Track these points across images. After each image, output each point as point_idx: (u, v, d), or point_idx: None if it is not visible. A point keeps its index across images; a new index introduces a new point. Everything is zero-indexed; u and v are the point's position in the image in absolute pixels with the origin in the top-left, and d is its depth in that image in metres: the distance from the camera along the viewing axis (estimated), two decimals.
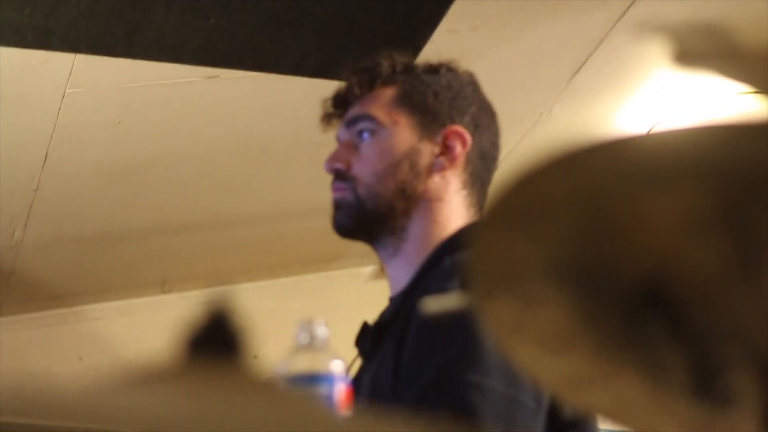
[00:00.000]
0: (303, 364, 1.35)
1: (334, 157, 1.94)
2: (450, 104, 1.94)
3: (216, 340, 0.66)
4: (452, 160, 1.90)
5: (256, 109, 3.22)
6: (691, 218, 0.66)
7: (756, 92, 0.73)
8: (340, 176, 1.92)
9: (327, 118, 2.03)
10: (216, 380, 0.65)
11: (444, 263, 1.76)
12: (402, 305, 1.78)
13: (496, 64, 3.15)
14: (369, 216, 1.87)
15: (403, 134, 1.90)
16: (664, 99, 3.41)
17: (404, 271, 1.89)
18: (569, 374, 0.79)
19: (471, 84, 2.01)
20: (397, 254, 1.92)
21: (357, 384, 1.85)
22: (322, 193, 3.81)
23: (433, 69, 1.98)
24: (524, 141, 3.54)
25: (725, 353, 0.73)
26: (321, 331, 1.39)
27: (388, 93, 1.94)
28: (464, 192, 1.92)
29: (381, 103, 1.94)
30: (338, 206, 1.91)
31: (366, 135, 1.92)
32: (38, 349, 4.06)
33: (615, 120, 3.51)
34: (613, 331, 0.74)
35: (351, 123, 1.96)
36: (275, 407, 0.63)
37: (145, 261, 4.11)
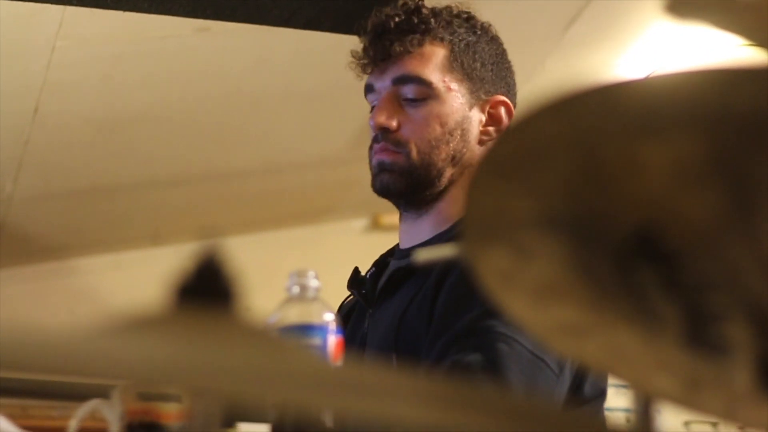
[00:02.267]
0: (295, 315, 1.35)
1: (384, 114, 1.86)
2: (494, 71, 1.93)
3: (207, 288, 0.66)
4: (500, 130, 1.86)
5: (247, 62, 3.21)
6: (684, 166, 0.66)
7: (750, 44, 0.72)
8: (390, 137, 1.86)
9: (364, 67, 1.95)
10: (208, 328, 0.64)
11: None
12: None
13: (488, 18, 3.13)
14: (421, 182, 1.83)
15: (456, 102, 1.86)
16: (658, 52, 3.40)
17: (430, 228, 1.89)
18: (562, 325, 0.78)
19: (503, 49, 2.00)
20: (428, 212, 1.90)
21: (359, 325, 1.86)
22: (313, 146, 3.82)
23: (474, 28, 1.94)
24: (517, 95, 3.53)
25: (719, 303, 0.73)
26: (312, 282, 1.39)
27: (440, 54, 1.89)
28: None
29: (433, 66, 1.88)
30: (389, 169, 1.85)
31: (419, 98, 1.86)
32: (29, 303, 4.07)
33: (609, 74, 3.50)
34: (607, 281, 0.74)
35: (401, 81, 1.88)
36: (267, 355, 0.63)
37: (136, 214, 4.11)
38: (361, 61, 1.92)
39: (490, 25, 1.98)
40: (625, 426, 0.81)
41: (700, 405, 0.81)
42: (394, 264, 1.91)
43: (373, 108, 1.91)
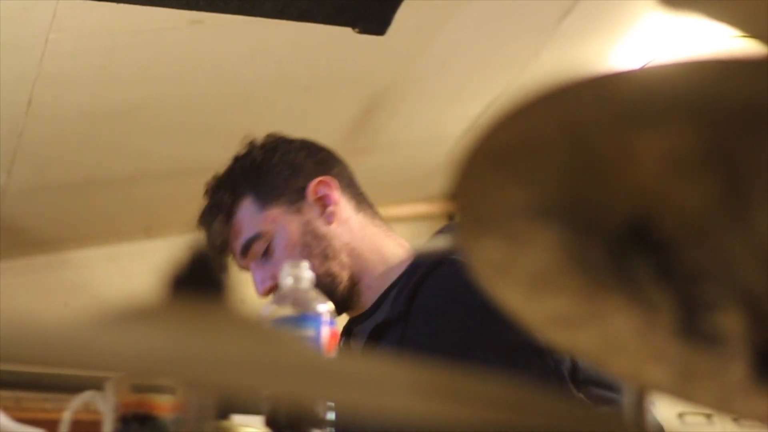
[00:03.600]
0: (288, 306, 1.35)
1: (259, 281, 2.02)
2: (294, 169, 2.10)
3: (200, 280, 0.65)
4: (334, 203, 2.07)
5: (241, 54, 3.20)
6: (678, 156, 0.66)
7: (744, 35, 0.72)
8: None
9: (222, 266, 2.08)
10: (201, 320, 0.64)
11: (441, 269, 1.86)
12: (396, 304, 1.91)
13: (483, 10, 3.13)
14: (331, 297, 1.87)
15: (287, 223, 2.04)
16: (653, 43, 3.40)
17: (371, 296, 2.04)
18: (556, 315, 0.78)
19: (292, 141, 2.21)
20: (360, 297, 2.05)
21: None
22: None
23: (254, 158, 2.14)
24: (511, 87, 3.54)
25: (713, 293, 0.73)
26: (306, 273, 1.39)
27: (248, 205, 2.06)
28: (359, 212, 2.11)
29: (251, 219, 2.05)
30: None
31: (264, 249, 2.02)
32: (23, 296, 4.06)
33: (603, 65, 3.50)
34: (600, 271, 0.74)
35: (245, 251, 2.04)
36: (261, 346, 0.63)
37: (130, 207, 4.10)
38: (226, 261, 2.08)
39: (267, 140, 2.21)
40: (627, 420, 0.82)
41: (694, 396, 0.81)
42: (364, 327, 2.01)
43: None
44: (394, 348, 1.83)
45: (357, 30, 2.84)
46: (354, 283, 2.03)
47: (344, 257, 2.03)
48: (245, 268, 2.06)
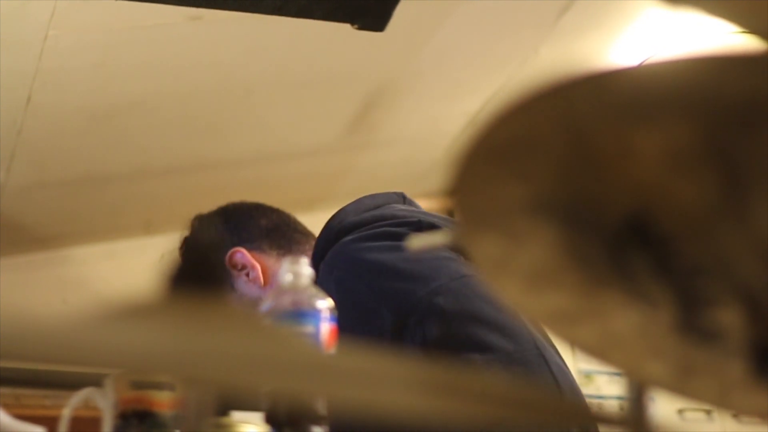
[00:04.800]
0: (288, 302, 1.35)
1: None
2: (213, 249, 2.12)
3: (198, 276, 0.65)
4: (252, 268, 2.14)
5: (240, 51, 3.20)
6: (677, 152, 0.66)
7: (743, 31, 0.72)
8: None
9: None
10: (201, 316, 0.64)
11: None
12: None
13: (482, 7, 3.13)
14: None
15: (233, 302, 2.09)
16: (651, 39, 3.40)
17: None
18: (555, 311, 0.78)
19: (203, 219, 2.26)
20: None
21: None
22: (305, 136, 3.82)
23: (183, 257, 2.11)
24: (510, 83, 3.53)
25: (712, 288, 0.73)
26: (305, 269, 1.39)
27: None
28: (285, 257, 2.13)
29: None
30: None
31: None
32: (22, 293, 4.06)
33: (602, 61, 3.50)
34: (599, 267, 0.74)
35: None
36: (260, 343, 0.63)
37: (129, 203, 4.10)
38: None
39: (184, 237, 2.19)
40: (617, 414, 0.81)
41: (693, 392, 0.81)
42: None
43: None
44: None
45: (356, 26, 2.84)
46: None
47: None
48: None
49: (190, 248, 2.17)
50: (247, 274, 2.14)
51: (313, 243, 2.14)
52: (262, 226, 2.27)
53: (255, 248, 2.20)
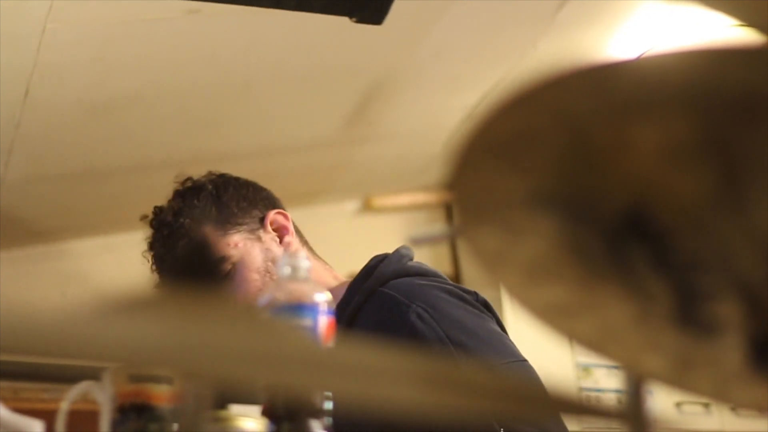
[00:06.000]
0: (286, 295, 1.35)
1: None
2: (251, 202, 2.25)
3: (197, 269, 0.65)
4: (290, 233, 2.23)
5: (238, 44, 3.20)
6: (675, 145, 0.66)
7: (741, 24, 0.72)
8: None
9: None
10: (199, 310, 0.64)
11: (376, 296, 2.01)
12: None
13: (480, 0, 3.13)
14: None
15: (250, 249, 2.17)
16: (650, 32, 3.40)
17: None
18: (554, 304, 0.78)
19: (238, 178, 2.34)
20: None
21: None
22: (304, 129, 3.81)
23: (213, 186, 2.28)
24: (508, 77, 3.53)
25: (710, 282, 0.73)
26: (304, 263, 1.39)
27: (210, 231, 2.19)
28: (303, 246, 2.27)
29: (216, 244, 2.15)
30: None
31: (228, 274, 2.12)
32: (21, 286, 4.06)
33: (600, 54, 3.49)
34: (597, 260, 0.74)
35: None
36: (258, 336, 0.63)
37: (127, 197, 4.10)
38: None
39: (212, 176, 2.33)
40: (615, 407, 0.81)
41: (691, 385, 0.81)
42: None
43: None
44: None
45: (354, 19, 2.83)
46: None
47: None
48: None
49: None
50: (281, 236, 2.20)
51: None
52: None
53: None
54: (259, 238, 2.19)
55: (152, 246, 2.28)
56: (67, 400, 1.44)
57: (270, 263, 2.13)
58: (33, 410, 1.64)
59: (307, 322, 1.32)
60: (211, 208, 2.24)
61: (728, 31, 3.07)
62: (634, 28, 3.40)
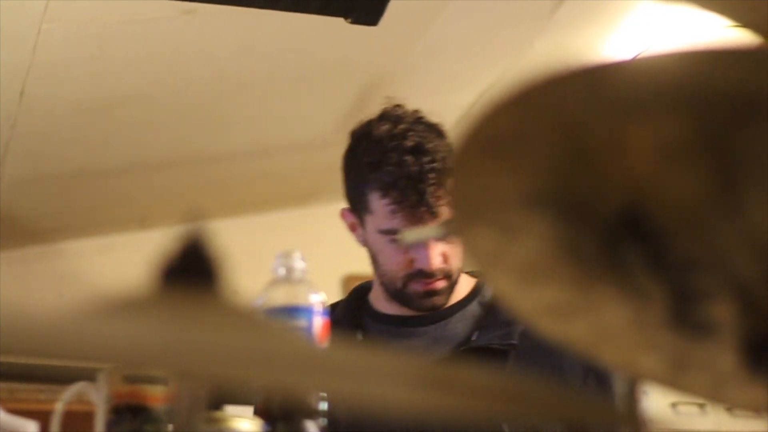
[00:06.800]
0: (281, 296, 1.35)
1: (439, 259, 2.00)
2: None
3: (193, 271, 0.65)
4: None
5: (234, 44, 3.20)
6: (670, 145, 0.66)
7: (736, 25, 0.72)
8: (442, 272, 2.01)
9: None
10: (194, 311, 0.64)
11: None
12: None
13: (476, 1, 3.13)
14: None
15: None
16: (646, 33, 3.40)
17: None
18: (549, 304, 0.78)
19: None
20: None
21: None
22: (300, 129, 3.81)
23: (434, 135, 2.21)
24: (505, 77, 3.53)
25: (705, 282, 0.73)
26: (299, 264, 1.39)
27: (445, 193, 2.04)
28: None
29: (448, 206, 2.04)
30: (439, 293, 2.02)
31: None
32: (17, 287, 4.06)
33: (596, 55, 3.49)
34: (593, 260, 0.74)
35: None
36: (253, 337, 0.63)
37: (124, 198, 4.10)
38: (391, 206, 2.02)
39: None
40: (610, 407, 0.81)
41: (686, 386, 0.81)
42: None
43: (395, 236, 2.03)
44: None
45: (349, 20, 2.83)
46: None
47: None
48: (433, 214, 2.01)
49: None
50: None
51: None
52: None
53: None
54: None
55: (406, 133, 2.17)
56: (62, 400, 1.44)
57: None
58: (28, 411, 1.64)
59: (302, 323, 1.32)
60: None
61: (723, 32, 3.06)
62: (631, 29, 3.40)
